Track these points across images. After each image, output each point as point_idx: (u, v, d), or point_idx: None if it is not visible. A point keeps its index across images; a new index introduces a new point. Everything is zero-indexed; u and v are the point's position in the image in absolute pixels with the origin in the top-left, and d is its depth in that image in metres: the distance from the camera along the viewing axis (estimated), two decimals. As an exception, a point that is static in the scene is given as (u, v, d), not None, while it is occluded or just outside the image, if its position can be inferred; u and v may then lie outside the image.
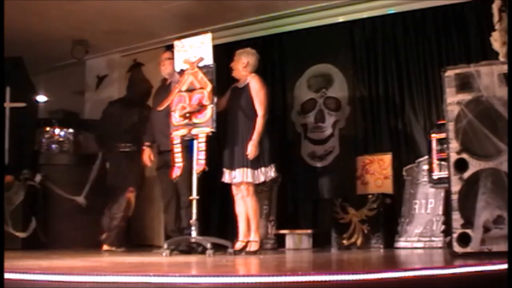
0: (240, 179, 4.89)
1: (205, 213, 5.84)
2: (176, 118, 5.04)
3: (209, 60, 5.03)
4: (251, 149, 4.82)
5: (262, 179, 4.94)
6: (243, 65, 5.11)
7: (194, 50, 5.09)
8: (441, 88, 3.81)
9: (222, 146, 5.16)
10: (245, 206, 5.01)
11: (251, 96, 5.00)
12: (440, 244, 5.20)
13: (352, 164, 6.11)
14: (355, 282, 2.30)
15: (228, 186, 5.14)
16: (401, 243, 5.50)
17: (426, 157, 5.36)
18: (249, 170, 4.87)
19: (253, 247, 4.91)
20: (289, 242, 5.95)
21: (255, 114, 4.95)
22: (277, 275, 2.35)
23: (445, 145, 4.01)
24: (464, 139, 3.60)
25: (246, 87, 5.06)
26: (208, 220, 6.29)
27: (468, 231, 3.49)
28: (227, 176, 5.01)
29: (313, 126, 6.43)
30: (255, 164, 4.88)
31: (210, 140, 4.96)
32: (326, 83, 6.47)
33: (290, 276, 2.34)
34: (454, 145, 3.64)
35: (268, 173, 4.94)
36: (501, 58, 4.25)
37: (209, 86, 4.92)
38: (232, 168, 4.96)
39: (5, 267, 2.65)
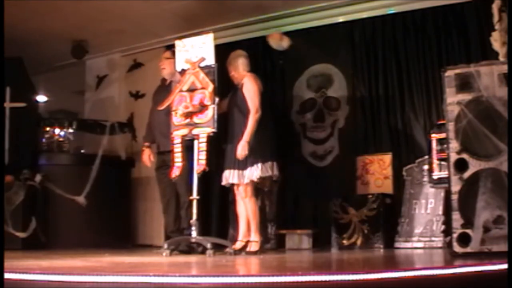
0: (231, 180, 4.90)
1: (205, 213, 5.85)
2: (177, 117, 5.04)
3: (210, 60, 5.03)
4: (240, 150, 4.82)
5: (250, 178, 4.91)
6: (234, 69, 5.14)
7: (196, 50, 5.09)
8: (441, 88, 3.81)
9: (224, 147, 5.15)
10: (244, 206, 5.01)
11: (244, 94, 5.01)
12: (440, 244, 5.20)
13: (352, 164, 6.11)
14: (355, 282, 2.30)
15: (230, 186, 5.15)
16: (401, 243, 5.50)
17: (426, 157, 5.35)
18: (236, 171, 4.88)
19: (253, 247, 4.92)
20: (289, 242, 5.95)
21: (248, 113, 4.96)
22: (277, 275, 2.35)
23: (445, 145, 4.01)
24: (464, 139, 3.60)
25: (241, 87, 5.07)
26: (208, 220, 6.30)
27: (468, 231, 3.49)
28: (224, 178, 5.02)
29: (312, 126, 6.43)
30: (243, 164, 4.87)
31: (211, 140, 4.96)
32: (326, 83, 6.47)
33: (290, 276, 2.34)
34: (454, 145, 3.64)
35: (255, 171, 4.91)
36: (501, 58, 4.25)
37: (210, 86, 4.92)
38: (231, 168, 4.96)
39: (5, 267, 2.65)
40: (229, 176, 4.94)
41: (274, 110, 6.07)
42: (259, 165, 4.89)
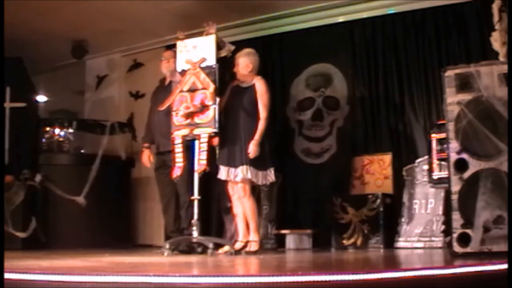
0: (241, 177, 4.87)
1: (205, 213, 5.84)
2: (178, 118, 5.03)
3: (211, 60, 5.01)
4: (253, 148, 4.81)
5: (263, 181, 4.94)
6: (249, 69, 5.08)
7: (197, 51, 5.08)
8: (441, 88, 3.81)
9: (220, 144, 5.11)
10: (242, 206, 5.00)
11: (256, 97, 4.99)
12: (440, 244, 5.21)
13: (348, 163, 6.12)
14: (355, 282, 2.30)
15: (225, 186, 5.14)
16: (401, 243, 5.50)
17: (426, 157, 5.36)
18: (250, 168, 4.85)
19: (253, 247, 4.91)
20: (289, 242, 5.96)
21: (257, 115, 4.95)
22: (277, 275, 2.34)
23: (445, 145, 4.01)
24: (464, 139, 3.60)
25: (251, 88, 5.03)
26: (208, 220, 6.29)
27: (468, 231, 3.49)
28: (225, 174, 4.98)
29: (310, 124, 6.44)
30: (257, 164, 4.87)
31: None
32: (325, 82, 6.47)
33: (290, 276, 2.34)
34: (454, 145, 3.64)
35: (268, 176, 4.95)
36: (501, 58, 4.25)
37: (211, 87, 4.91)
38: (233, 166, 4.93)
39: (5, 267, 2.65)
40: (246, 173, 4.86)
41: (272, 109, 6.08)
42: (272, 170, 4.94)
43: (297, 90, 6.60)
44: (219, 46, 5.07)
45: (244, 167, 4.85)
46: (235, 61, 5.12)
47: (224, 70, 5.13)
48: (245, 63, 5.07)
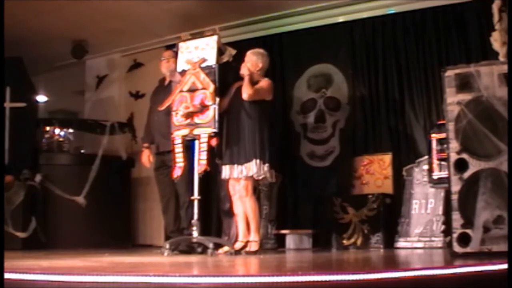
0: (245, 173, 4.85)
1: (205, 213, 5.85)
2: (178, 118, 5.03)
3: (212, 61, 5.01)
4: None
5: (266, 174, 4.91)
6: (258, 68, 5.07)
7: (198, 52, 5.07)
8: (441, 88, 3.81)
9: (223, 143, 5.09)
10: (243, 206, 4.99)
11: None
12: (440, 244, 5.20)
13: (352, 164, 6.11)
14: (355, 282, 2.30)
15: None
16: (401, 243, 5.50)
17: (426, 157, 5.36)
18: (256, 161, 4.82)
19: (253, 247, 4.91)
20: (289, 242, 5.96)
21: (259, 114, 4.94)
22: (277, 275, 2.35)
23: (445, 145, 4.01)
24: (464, 139, 3.59)
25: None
26: (208, 220, 6.30)
27: (468, 231, 3.49)
28: (228, 172, 4.96)
29: (313, 126, 6.44)
30: (263, 158, 4.85)
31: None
32: (326, 83, 6.47)
33: (290, 276, 2.34)
34: (454, 145, 3.64)
35: (269, 172, 4.92)
36: (501, 58, 4.25)
37: (211, 87, 4.91)
38: (236, 163, 4.91)
39: (5, 267, 2.65)
40: (255, 167, 4.83)
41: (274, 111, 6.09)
42: (267, 165, 4.91)
43: (299, 91, 6.60)
44: (221, 51, 5.07)
45: (250, 163, 4.83)
46: (246, 57, 5.08)
47: (226, 71, 5.12)
48: (255, 61, 5.06)
